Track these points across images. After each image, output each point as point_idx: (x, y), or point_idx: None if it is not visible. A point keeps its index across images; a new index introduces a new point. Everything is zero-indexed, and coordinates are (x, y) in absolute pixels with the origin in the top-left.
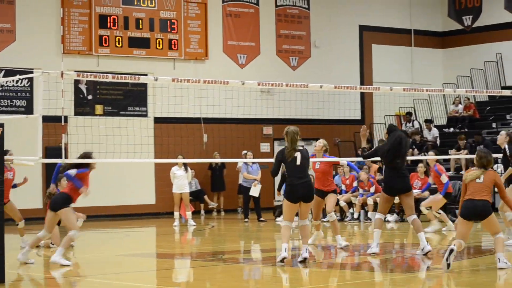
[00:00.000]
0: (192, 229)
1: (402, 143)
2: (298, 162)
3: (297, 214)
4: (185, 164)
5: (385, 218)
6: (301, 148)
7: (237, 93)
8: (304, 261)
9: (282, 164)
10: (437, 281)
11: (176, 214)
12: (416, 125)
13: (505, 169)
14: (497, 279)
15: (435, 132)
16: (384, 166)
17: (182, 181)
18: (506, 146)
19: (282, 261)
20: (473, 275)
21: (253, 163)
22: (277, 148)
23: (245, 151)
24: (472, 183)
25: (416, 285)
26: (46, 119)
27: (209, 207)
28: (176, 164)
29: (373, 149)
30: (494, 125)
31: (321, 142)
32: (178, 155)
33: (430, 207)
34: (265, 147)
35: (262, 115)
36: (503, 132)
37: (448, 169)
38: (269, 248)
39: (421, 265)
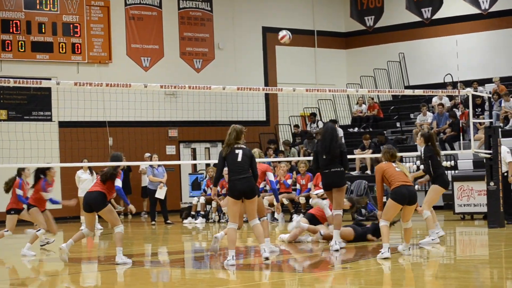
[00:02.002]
0: (99, 232)
1: (334, 137)
2: (239, 159)
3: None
4: (90, 168)
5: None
6: (243, 146)
7: (141, 96)
8: (267, 259)
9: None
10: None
11: (82, 218)
12: (321, 125)
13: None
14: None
15: (339, 132)
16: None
17: (88, 185)
18: (421, 149)
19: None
20: (377, 273)
21: (159, 165)
22: (183, 150)
23: (148, 154)
24: (395, 172)
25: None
26: None
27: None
28: (81, 168)
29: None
30: (398, 124)
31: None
32: (83, 159)
33: None
34: (170, 149)
35: (167, 118)
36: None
37: (353, 169)
38: (177, 250)
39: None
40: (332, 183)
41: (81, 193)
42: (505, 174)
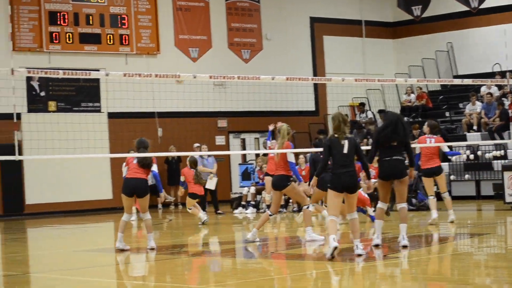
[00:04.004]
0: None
1: (398, 123)
2: (345, 150)
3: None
4: None
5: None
6: (350, 136)
7: (190, 86)
8: (359, 256)
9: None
10: (392, 270)
11: (133, 208)
12: (370, 115)
13: None
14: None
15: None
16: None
17: None
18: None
19: (332, 255)
20: (432, 262)
21: (209, 156)
22: (233, 140)
23: (197, 144)
24: None
25: (375, 274)
26: None
27: (167, 201)
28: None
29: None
30: (447, 113)
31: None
32: (130, 150)
33: None
34: (220, 140)
35: (216, 108)
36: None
37: None
38: (228, 240)
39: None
40: (394, 173)
41: None
42: None
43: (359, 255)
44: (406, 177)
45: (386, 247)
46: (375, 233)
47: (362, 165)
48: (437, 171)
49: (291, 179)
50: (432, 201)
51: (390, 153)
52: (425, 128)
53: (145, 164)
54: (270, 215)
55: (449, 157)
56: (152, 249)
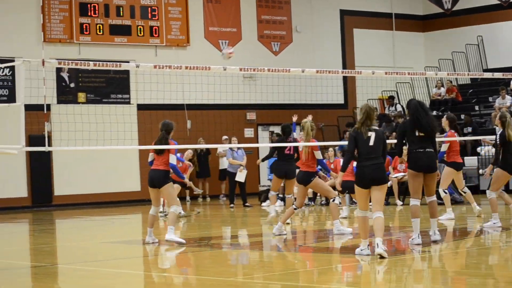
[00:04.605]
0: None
1: (423, 109)
2: (371, 143)
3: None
4: None
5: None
6: (377, 128)
7: (220, 78)
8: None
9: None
10: (426, 264)
11: (161, 200)
12: (399, 108)
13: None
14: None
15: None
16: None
17: None
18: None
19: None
20: (460, 257)
21: (238, 148)
22: (261, 133)
23: (225, 137)
24: None
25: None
26: (28, 107)
27: (195, 193)
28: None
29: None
30: (477, 107)
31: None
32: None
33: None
34: (249, 132)
35: (245, 101)
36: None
37: None
38: (256, 233)
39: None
40: (428, 167)
41: None
42: None
43: (380, 255)
44: (437, 171)
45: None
46: (414, 233)
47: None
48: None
49: (316, 174)
50: (469, 194)
51: (422, 145)
52: (444, 121)
53: (158, 151)
54: (295, 209)
55: None
56: (168, 241)
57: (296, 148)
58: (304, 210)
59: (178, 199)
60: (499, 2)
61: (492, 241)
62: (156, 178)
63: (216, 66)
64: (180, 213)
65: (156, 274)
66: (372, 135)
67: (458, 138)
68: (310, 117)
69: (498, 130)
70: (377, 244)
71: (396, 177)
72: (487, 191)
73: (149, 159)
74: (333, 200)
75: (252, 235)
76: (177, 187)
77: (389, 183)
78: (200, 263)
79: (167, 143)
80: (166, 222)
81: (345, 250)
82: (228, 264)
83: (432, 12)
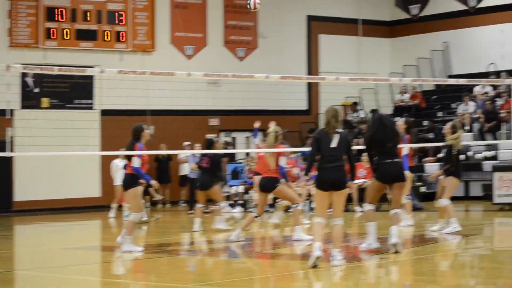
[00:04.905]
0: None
1: (384, 124)
2: (334, 145)
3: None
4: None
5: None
6: (341, 131)
7: (184, 84)
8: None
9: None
10: (383, 270)
11: (114, 205)
12: (362, 114)
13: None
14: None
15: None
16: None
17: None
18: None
19: (315, 264)
20: (418, 263)
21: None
22: (224, 139)
23: (187, 142)
24: None
25: (360, 274)
26: None
27: (154, 199)
28: (118, 157)
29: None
30: (440, 114)
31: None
32: (120, 148)
33: None
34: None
35: (209, 107)
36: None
37: None
38: (214, 239)
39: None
40: (396, 176)
41: (118, 182)
42: None
43: (336, 266)
44: (405, 181)
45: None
46: (369, 237)
47: (349, 165)
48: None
49: (281, 180)
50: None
51: (390, 156)
52: (402, 125)
53: (126, 155)
54: (256, 217)
55: None
56: (125, 252)
57: (211, 160)
58: (263, 217)
59: (141, 205)
60: (465, 8)
61: (451, 247)
62: (123, 182)
63: (180, 71)
64: (142, 218)
65: (112, 281)
66: (335, 137)
67: (418, 145)
68: (273, 124)
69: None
70: (335, 256)
71: (356, 183)
72: (441, 200)
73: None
74: (297, 206)
75: (210, 242)
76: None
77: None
78: (157, 269)
79: (133, 148)
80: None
81: (303, 257)
82: (185, 270)
83: (399, 18)
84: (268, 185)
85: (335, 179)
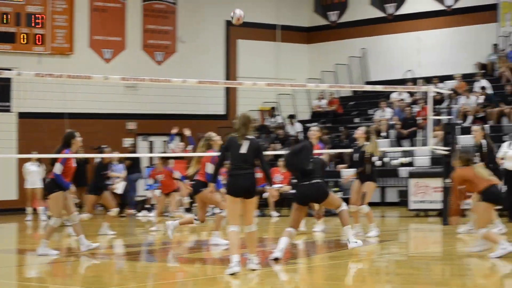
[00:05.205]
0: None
1: (302, 149)
2: (243, 150)
3: None
4: (40, 160)
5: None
6: (252, 137)
7: (101, 88)
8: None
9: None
10: (297, 275)
11: (29, 209)
12: (279, 120)
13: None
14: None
15: (298, 127)
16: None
17: (34, 177)
18: (483, 142)
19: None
20: (334, 269)
21: (118, 161)
22: (141, 144)
23: (104, 146)
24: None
25: (276, 279)
26: None
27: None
28: (30, 160)
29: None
30: (357, 120)
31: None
32: (32, 151)
33: None
34: (128, 142)
35: (127, 110)
36: (477, 128)
37: None
38: (131, 243)
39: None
40: (316, 197)
41: (29, 185)
42: None
43: (253, 270)
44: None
45: (288, 252)
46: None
47: (263, 171)
48: None
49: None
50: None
51: (308, 177)
52: (316, 133)
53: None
54: (196, 219)
55: None
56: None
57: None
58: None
59: (63, 211)
60: (383, 15)
61: (366, 253)
62: (46, 186)
63: (97, 75)
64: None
65: (24, 284)
66: (246, 144)
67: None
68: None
69: (361, 144)
70: (251, 259)
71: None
72: (362, 206)
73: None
74: (221, 212)
75: (126, 245)
76: None
77: (265, 194)
78: (72, 272)
79: (59, 153)
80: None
81: (219, 261)
82: (100, 274)
83: (317, 24)
84: (195, 189)
85: (245, 186)
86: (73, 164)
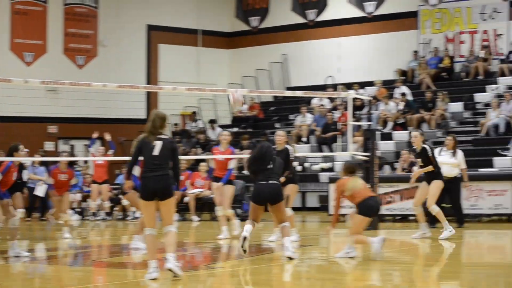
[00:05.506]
0: None
1: (264, 152)
2: (156, 152)
3: None
4: None
5: None
6: (165, 137)
7: (22, 91)
8: (171, 270)
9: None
10: (219, 279)
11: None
12: (201, 124)
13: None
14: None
15: (219, 131)
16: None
17: None
18: (426, 147)
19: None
20: (255, 273)
21: (40, 164)
22: (62, 147)
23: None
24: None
25: (197, 283)
26: None
27: None
28: None
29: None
30: (277, 125)
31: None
32: None
33: None
34: (49, 145)
35: (47, 114)
36: (416, 133)
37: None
38: (51, 247)
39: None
40: (271, 197)
41: None
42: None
43: (170, 270)
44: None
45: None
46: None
47: (173, 172)
48: None
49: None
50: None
51: (266, 177)
52: (227, 138)
53: None
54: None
55: None
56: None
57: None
58: (100, 224)
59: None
60: (304, 21)
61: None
62: None
63: (18, 78)
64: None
65: None
66: (158, 144)
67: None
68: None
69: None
70: (168, 259)
71: (193, 193)
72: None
73: None
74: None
75: (47, 249)
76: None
77: (186, 199)
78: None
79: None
80: None
81: (139, 265)
82: (14, 278)
83: (239, 30)
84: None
85: (158, 189)
86: (13, 178)
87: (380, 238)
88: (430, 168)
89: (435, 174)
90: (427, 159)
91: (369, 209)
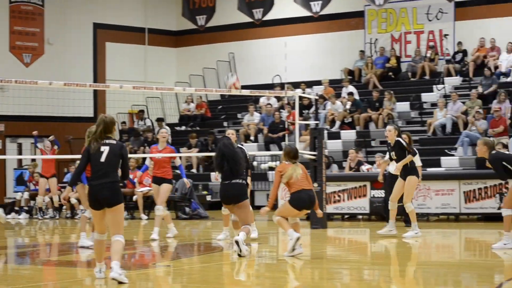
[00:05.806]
0: None
1: (223, 150)
2: (103, 159)
3: None
4: None
5: None
6: (113, 142)
7: None
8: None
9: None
10: (169, 278)
11: None
12: (148, 123)
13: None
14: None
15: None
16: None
17: None
18: (400, 139)
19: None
20: (204, 271)
21: None
22: (9, 145)
23: None
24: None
25: (146, 282)
26: None
27: None
28: None
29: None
30: (225, 123)
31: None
32: None
33: None
34: None
35: None
36: (391, 128)
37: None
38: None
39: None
40: (234, 197)
41: None
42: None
43: (114, 279)
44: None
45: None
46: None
47: (122, 172)
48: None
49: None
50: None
51: (229, 177)
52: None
53: None
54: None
55: None
56: None
57: None
58: (56, 222)
59: None
60: (251, 20)
61: (236, 256)
62: None
63: None
64: None
65: None
66: (105, 150)
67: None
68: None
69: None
70: (113, 267)
71: (141, 191)
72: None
73: None
74: (83, 212)
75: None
76: None
77: (134, 197)
78: None
79: None
80: None
81: (87, 264)
82: None
83: (185, 28)
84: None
85: (103, 197)
86: None
87: (297, 235)
88: (410, 157)
89: (410, 169)
90: (402, 151)
91: (300, 201)
